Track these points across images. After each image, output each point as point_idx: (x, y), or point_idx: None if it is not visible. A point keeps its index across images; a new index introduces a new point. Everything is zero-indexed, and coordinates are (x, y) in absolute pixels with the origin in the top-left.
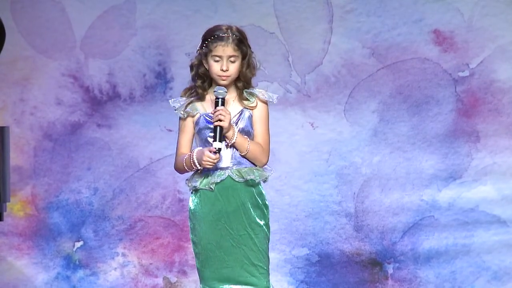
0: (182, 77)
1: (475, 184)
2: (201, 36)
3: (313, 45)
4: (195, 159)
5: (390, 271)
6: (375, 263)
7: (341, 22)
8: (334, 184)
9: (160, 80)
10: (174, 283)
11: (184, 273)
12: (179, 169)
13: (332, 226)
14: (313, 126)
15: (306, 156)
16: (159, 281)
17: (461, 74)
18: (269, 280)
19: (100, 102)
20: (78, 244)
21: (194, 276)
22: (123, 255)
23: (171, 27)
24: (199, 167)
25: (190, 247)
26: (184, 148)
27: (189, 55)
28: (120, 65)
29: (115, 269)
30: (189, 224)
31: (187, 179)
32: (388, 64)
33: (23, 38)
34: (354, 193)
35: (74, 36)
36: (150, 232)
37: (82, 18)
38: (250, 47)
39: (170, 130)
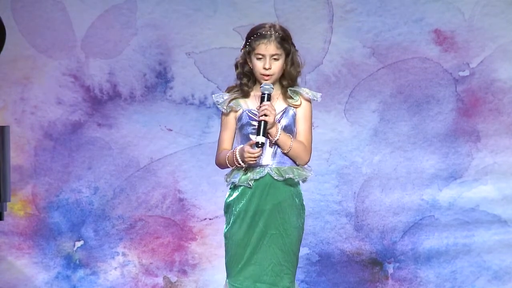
0: (183, 76)
1: (476, 183)
2: (201, 35)
3: (313, 45)
4: (238, 157)
5: (391, 270)
6: (376, 263)
7: (342, 22)
8: (334, 183)
9: (161, 80)
10: (174, 282)
11: (184, 272)
12: (221, 165)
13: (332, 226)
14: (313, 126)
15: None
16: (159, 280)
17: (461, 73)
18: (293, 281)
19: (101, 102)
20: (78, 244)
21: (194, 275)
22: (124, 254)
23: (172, 26)
24: (243, 165)
25: (190, 246)
26: (226, 144)
27: (189, 54)
28: (121, 64)
29: (115, 268)
30: (225, 218)
31: (226, 174)
32: (389, 64)
33: (23, 38)
34: (355, 193)
35: (74, 35)
36: (150, 231)
37: (83, 18)
38: (294, 45)
39: (170, 130)
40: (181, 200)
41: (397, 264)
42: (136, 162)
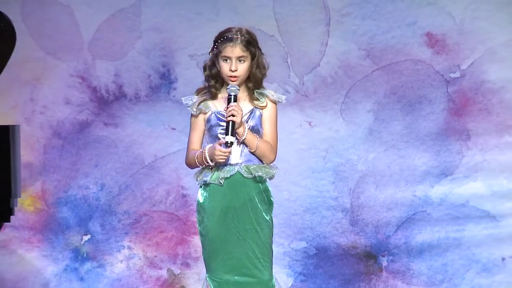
0: (186, 77)
1: (466, 180)
2: (203, 38)
3: (311, 47)
4: (207, 155)
5: (384, 263)
6: (370, 256)
7: (338, 25)
8: (331, 180)
9: (164, 81)
10: (178, 274)
11: (187, 265)
12: (190, 165)
13: (329, 221)
14: (311, 125)
15: (304, 153)
16: (163, 273)
17: (452, 75)
18: (271, 273)
19: (107, 102)
20: (85, 238)
21: (197, 268)
22: (129, 248)
23: (175, 29)
24: (211, 164)
25: (193, 240)
26: (195, 144)
27: (192, 56)
28: (126, 66)
29: (121, 261)
30: (197, 216)
31: (195, 173)
32: (383, 66)
33: (33, 40)
34: (350, 189)
35: (82, 38)
36: (154, 226)
37: (90, 21)
38: (260, 49)
39: (174, 129)
40: (184, 196)
41: (391, 257)
42: (141, 160)
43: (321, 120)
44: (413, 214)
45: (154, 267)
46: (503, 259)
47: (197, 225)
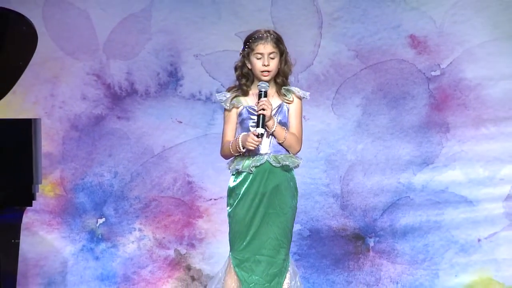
0: (191, 75)
1: (446, 169)
2: (207, 40)
3: (305, 48)
4: (239, 142)
5: (371, 244)
6: (359, 237)
7: (330, 28)
8: (323, 168)
9: (172, 78)
10: (184, 254)
11: (192, 246)
12: (225, 155)
13: (321, 205)
14: (305, 118)
15: None
16: (171, 252)
17: (433, 73)
18: (288, 253)
19: (120, 98)
20: (100, 221)
21: (201, 248)
22: (140, 230)
23: (182, 32)
24: (242, 150)
25: (197, 223)
26: (229, 136)
27: (197, 56)
28: (137, 65)
29: (132, 242)
30: (227, 200)
31: (228, 163)
32: (370, 65)
33: (53, 42)
34: (341, 177)
35: (97, 39)
36: (163, 210)
37: (105, 24)
38: (286, 47)
39: (180, 122)
40: (189, 183)
41: (377, 239)
42: (151, 150)
43: (314, 114)
44: (398, 200)
45: (162, 248)
46: (479, 240)
47: (227, 208)
